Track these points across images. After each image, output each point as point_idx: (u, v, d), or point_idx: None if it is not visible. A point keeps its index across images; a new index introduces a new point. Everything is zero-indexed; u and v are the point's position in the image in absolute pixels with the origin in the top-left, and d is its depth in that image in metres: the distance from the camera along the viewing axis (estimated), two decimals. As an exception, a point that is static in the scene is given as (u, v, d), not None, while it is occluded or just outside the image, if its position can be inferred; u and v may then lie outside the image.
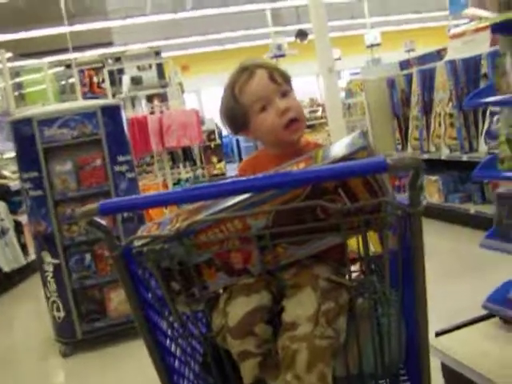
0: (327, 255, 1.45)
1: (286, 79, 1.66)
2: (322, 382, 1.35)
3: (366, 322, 1.49)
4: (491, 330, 2.81)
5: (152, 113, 7.61)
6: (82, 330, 4.11)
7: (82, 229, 4.03)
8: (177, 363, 1.54)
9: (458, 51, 2.40)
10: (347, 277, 1.43)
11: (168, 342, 1.51)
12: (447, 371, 2.69)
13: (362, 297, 1.51)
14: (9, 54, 9.05)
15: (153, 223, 1.44)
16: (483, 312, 2.89)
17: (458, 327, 2.84)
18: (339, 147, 1.28)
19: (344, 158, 1.19)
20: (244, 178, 1.15)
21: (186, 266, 1.35)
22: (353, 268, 1.62)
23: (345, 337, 1.45)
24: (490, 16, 2.56)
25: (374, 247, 1.59)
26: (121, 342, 4.10)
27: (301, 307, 1.39)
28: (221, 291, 1.53)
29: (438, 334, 2.80)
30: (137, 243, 1.35)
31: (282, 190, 1.25)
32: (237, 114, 1.65)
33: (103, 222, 1.27)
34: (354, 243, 1.43)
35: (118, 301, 4.18)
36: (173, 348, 1.53)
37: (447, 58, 2.86)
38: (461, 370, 2.56)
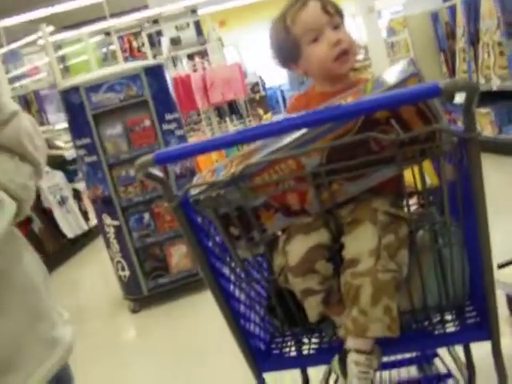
0: (384, 189, 1.43)
1: (339, 12, 1.62)
2: (388, 315, 1.36)
3: (427, 254, 1.48)
4: (556, 258, 2.75)
5: (195, 70, 7.61)
6: (148, 287, 4.25)
7: (138, 190, 4.14)
8: (242, 308, 1.57)
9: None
10: (406, 210, 1.42)
11: (232, 287, 1.54)
12: (513, 301, 2.67)
13: (422, 229, 1.50)
14: (50, 28, 9.12)
15: (207, 171, 1.45)
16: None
17: (522, 257, 2.80)
18: (389, 76, 1.25)
19: (395, 86, 1.17)
20: (294, 115, 1.14)
21: (244, 210, 1.37)
22: (410, 202, 1.60)
23: (407, 270, 1.44)
24: None
25: (430, 179, 1.57)
26: (184, 296, 4.23)
27: (361, 242, 1.39)
28: (279, 233, 1.55)
29: (500, 266, 2.76)
30: (193, 192, 1.37)
31: (334, 126, 1.23)
32: (287, 45, 1.60)
33: (159, 174, 1.29)
34: (409, 177, 1.41)
35: (178, 256, 4.29)
36: (237, 293, 1.56)
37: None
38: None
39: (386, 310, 1.36)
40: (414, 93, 1.08)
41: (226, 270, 1.52)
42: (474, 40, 5.84)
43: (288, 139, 1.28)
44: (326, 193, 1.35)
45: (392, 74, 1.25)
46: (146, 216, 4.21)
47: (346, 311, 1.41)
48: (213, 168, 1.44)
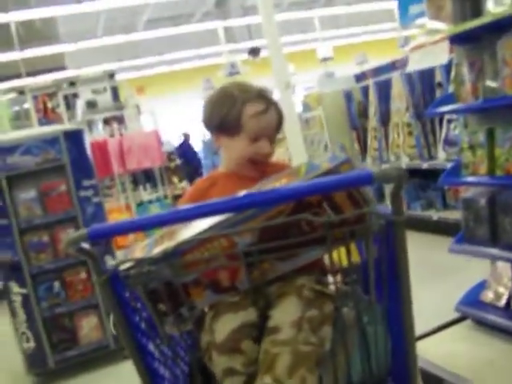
0: (311, 266, 1.47)
1: (280, 129, 1.78)
2: None
3: (352, 332, 1.51)
4: (464, 332, 2.88)
5: (112, 136, 7.56)
6: (54, 360, 4.03)
7: (50, 257, 3.98)
8: (166, 386, 1.53)
9: (417, 63, 2.47)
10: (333, 287, 1.46)
11: (157, 364, 1.50)
12: (425, 375, 2.73)
13: (347, 306, 1.53)
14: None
15: (137, 246, 1.44)
16: (456, 315, 2.96)
17: (433, 332, 2.90)
18: (321, 162, 1.30)
19: (329, 172, 1.22)
20: (233, 197, 1.16)
21: (173, 286, 1.35)
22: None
23: (330, 346, 1.46)
24: (446, 28, 2.65)
25: (353, 257, 1.61)
26: (94, 370, 4.03)
27: (285, 313, 1.41)
28: (206, 309, 1.54)
29: (413, 340, 2.84)
30: (123, 266, 1.35)
31: (267, 207, 1.26)
32: (230, 123, 1.70)
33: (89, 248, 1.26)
34: (334, 254, 1.45)
35: (88, 328, 4.12)
36: (161, 370, 1.52)
37: (408, 70, 2.94)
38: (438, 372, 2.61)
39: (302, 382, 1.34)
40: (349, 180, 1.13)
41: (152, 347, 1.49)
42: (385, 120, 6.17)
43: (221, 218, 1.29)
44: (257, 271, 1.37)
45: (324, 159, 1.31)
46: (57, 284, 4.05)
47: (257, 380, 1.37)
48: (143, 243, 1.42)
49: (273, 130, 1.74)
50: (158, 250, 1.32)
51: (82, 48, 12.92)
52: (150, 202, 7.92)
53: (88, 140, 6.84)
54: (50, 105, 11.80)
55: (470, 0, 2.61)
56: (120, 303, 1.36)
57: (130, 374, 1.51)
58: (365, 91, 6.63)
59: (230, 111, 1.69)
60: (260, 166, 1.74)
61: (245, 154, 1.71)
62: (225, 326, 1.44)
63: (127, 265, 1.34)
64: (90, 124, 10.79)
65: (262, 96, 1.73)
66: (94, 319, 4.06)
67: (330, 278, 1.61)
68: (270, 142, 1.73)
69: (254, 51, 14.41)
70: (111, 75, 11.68)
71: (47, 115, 11.67)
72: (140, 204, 7.87)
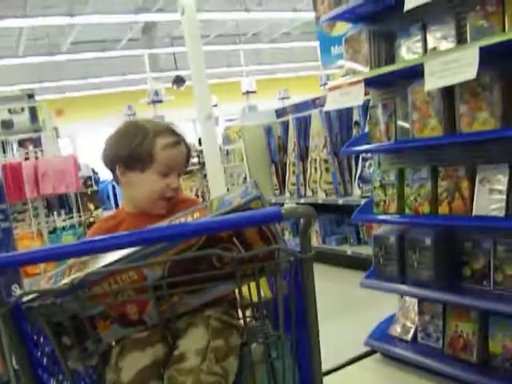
0: (220, 300, 1.49)
1: (189, 163, 1.81)
2: None
3: (260, 366, 1.51)
4: (373, 366, 2.94)
5: (27, 158, 7.31)
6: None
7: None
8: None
9: (335, 102, 2.55)
10: (242, 322, 1.47)
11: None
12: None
13: (255, 341, 1.54)
14: None
15: (44, 276, 1.40)
16: (366, 349, 3.03)
17: (342, 366, 2.95)
18: (233, 197, 1.32)
19: (239, 208, 1.23)
20: (143, 230, 1.15)
21: (79, 319, 1.32)
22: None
23: (234, 378, 1.46)
24: (362, 71, 2.76)
25: (264, 292, 1.63)
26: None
27: (191, 341, 1.41)
28: (113, 343, 1.51)
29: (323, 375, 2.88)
30: (26, 298, 1.30)
31: (178, 240, 1.26)
32: (139, 156, 1.66)
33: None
34: (244, 289, 1.46)
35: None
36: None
37: (325, 108, 3.03)
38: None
39: None
40: (259, 216, 1.15)
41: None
42: (303, 155, 6.30)
43: (130, 250, 1.27)
44: (166, 305, 1.36)
45: (236, 194, 1.32)
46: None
47: None
48: (50, 274, 1.38)
49: (182, 165, 1.74)
50: (65, 281, 1.29)
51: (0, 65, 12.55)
52: (64, 228, 7.67)
53: (0, 162, 6.59)
54: (-39, 122, 11.30)
55: (385, 46, 2.73)
56: (22, 337, 1.31)
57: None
58: (285, 126, 6.76)
59: (143, 142, 1.66)
60: (170, 203, 1.72)
61: (156, 190, 1.68)
62: (131, 366, 1.41)
63: (30, 296, 1.30)
64: (4, 145, 10.41)
65: (172, 130, 1.73)
66: (-4, 352, 3.86)
67: (240, 313, 1.62)
68: (178, 177, 1.74)
69: (178, 80, 14.45)
70: (30, 95, 11.36)
71: (-41, 134, 11.16)
72: (53, 231, 7.60)
